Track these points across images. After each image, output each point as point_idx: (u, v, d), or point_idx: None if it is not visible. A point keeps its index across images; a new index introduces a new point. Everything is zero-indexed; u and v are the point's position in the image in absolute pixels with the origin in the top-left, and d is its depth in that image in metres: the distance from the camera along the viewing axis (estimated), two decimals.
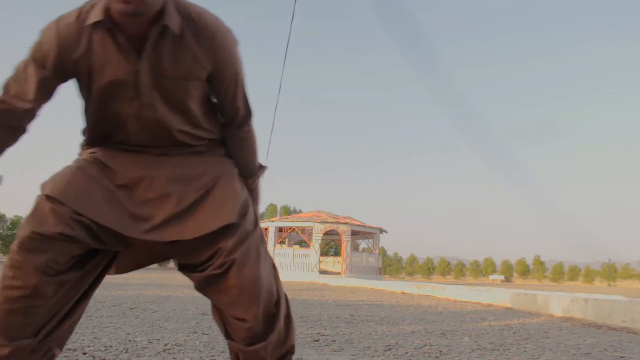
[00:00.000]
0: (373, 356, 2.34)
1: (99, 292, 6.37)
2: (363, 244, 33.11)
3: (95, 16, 1.05)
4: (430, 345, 2.76)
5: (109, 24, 1.06)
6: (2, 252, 55.66)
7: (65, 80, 1.15)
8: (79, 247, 1.09)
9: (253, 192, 1.36)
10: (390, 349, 2.56)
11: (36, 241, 1.03)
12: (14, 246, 1.04)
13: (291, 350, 1.25)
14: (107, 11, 1.04)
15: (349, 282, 15.80)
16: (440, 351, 2.54)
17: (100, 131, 1.21)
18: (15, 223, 56.72)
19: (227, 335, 1.22)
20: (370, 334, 3.18)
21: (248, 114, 1.29)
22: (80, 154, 1.27)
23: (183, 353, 2.20)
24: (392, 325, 3.77)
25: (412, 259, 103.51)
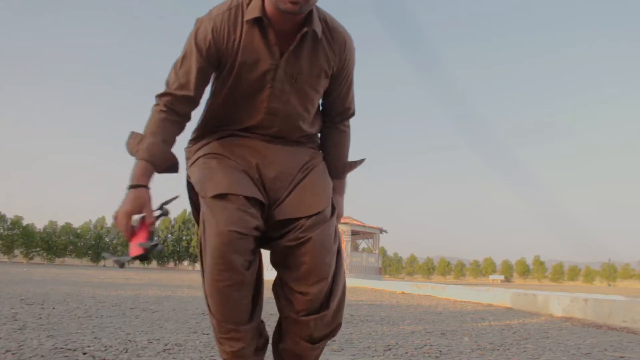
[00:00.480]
0: (373, 356, 2.34)
1: (99, 292, 6.37)
2: (363, 244, 33.12)
3: (253, 13, 1.19)
4: (430, 345, 2.76)
5: (264, 20, 1.19)
6: (2, 252, 55.60)
7: (216, 67, 1.27)
8: (258, 236, 1.20)
9: (341, 182, 1.51)
10: (390, 349, 2.56)
11: (238, 240, 1.12)
12: (218, 244, 1.11)
13: (338, 327, 1.34)
14: (263, 8, 1.19)
15: (349, 282, 15.79)
16: (440, 351, 2.54)
17: (221, 118, 1.32)
18: (15, 223, 56.60)
19: (281, 308, 1.29)
20: (370, 334, 3.18)
21: (353, 111, 1.46)
22: (189, 150, 1.38)
23: (183, 353, 2.20)
24: (392, 325, 3.77)
25: (412, 259, 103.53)
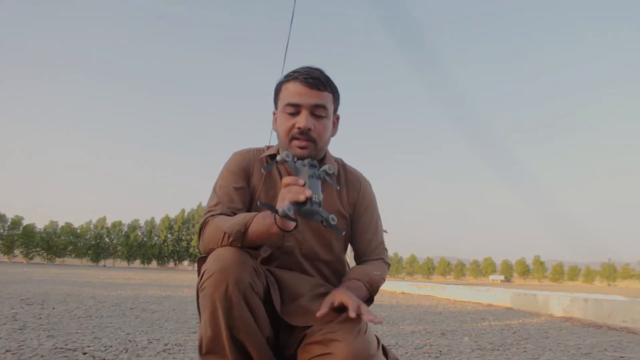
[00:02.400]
0: None
1: (99, 292, 6.37)
2: None
3: (270, 152, 1.34)
4: (430, 345, 2.76)
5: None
6: (2, 252, 55.62)
7: (247, 190, 1.32)
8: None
9: (358, 285, 1.32)
10: (390, 349, 2.56)
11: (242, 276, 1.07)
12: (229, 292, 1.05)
13: None
14: (279, 150, 1.32)
15: None
16: (440, 351, 2.54)
17: None
18: (15, 223, 56.63)
19: None
20: None
21: (380, 253, 1.40)
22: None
23: (183, 353, 2.20)
24: (392, 325, 3.78)
25: (412, 259, 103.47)
